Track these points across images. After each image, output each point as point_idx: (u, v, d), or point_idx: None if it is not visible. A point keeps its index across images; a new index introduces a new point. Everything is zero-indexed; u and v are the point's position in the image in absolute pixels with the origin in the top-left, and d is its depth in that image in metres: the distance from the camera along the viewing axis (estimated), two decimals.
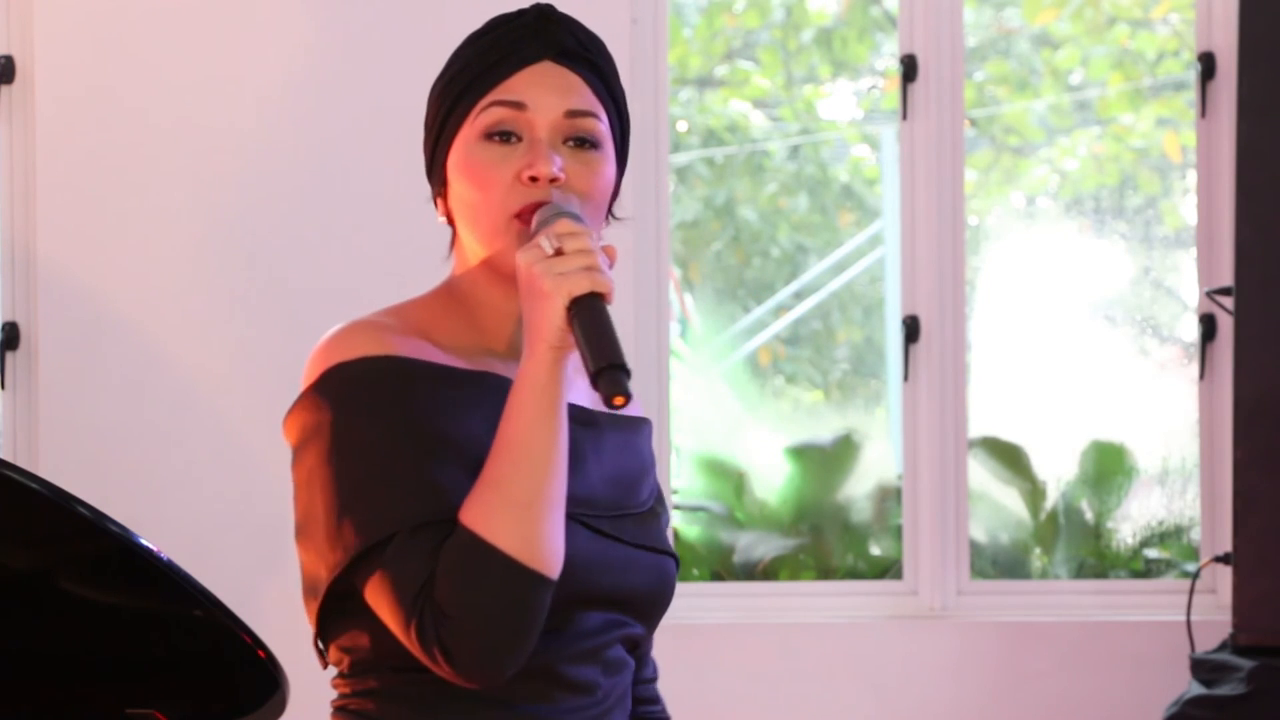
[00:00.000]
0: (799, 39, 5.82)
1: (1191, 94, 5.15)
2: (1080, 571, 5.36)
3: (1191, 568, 5.17)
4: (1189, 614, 4.74)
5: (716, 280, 5.80)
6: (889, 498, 5.39)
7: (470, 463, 2.08)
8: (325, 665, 2.21)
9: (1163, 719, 4.41)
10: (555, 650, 2.13)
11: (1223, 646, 4.46)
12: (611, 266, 2.09)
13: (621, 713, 2.21)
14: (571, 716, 2.15)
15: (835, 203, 5.88)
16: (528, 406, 2.05)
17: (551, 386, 2.05)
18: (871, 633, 4.97)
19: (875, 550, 5.42)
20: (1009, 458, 5.43)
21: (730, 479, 5.46)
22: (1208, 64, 5.00)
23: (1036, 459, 5.42)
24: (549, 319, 2.04)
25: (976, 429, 5.27)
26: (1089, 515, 5.42)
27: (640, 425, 2.31)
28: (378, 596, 2.07)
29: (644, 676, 2.32)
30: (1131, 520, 5.39)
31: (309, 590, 2.14)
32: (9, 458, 4.78)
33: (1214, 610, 4.92)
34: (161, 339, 4.84)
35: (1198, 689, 4.37)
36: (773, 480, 5.48)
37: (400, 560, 2.05)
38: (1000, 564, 5.44)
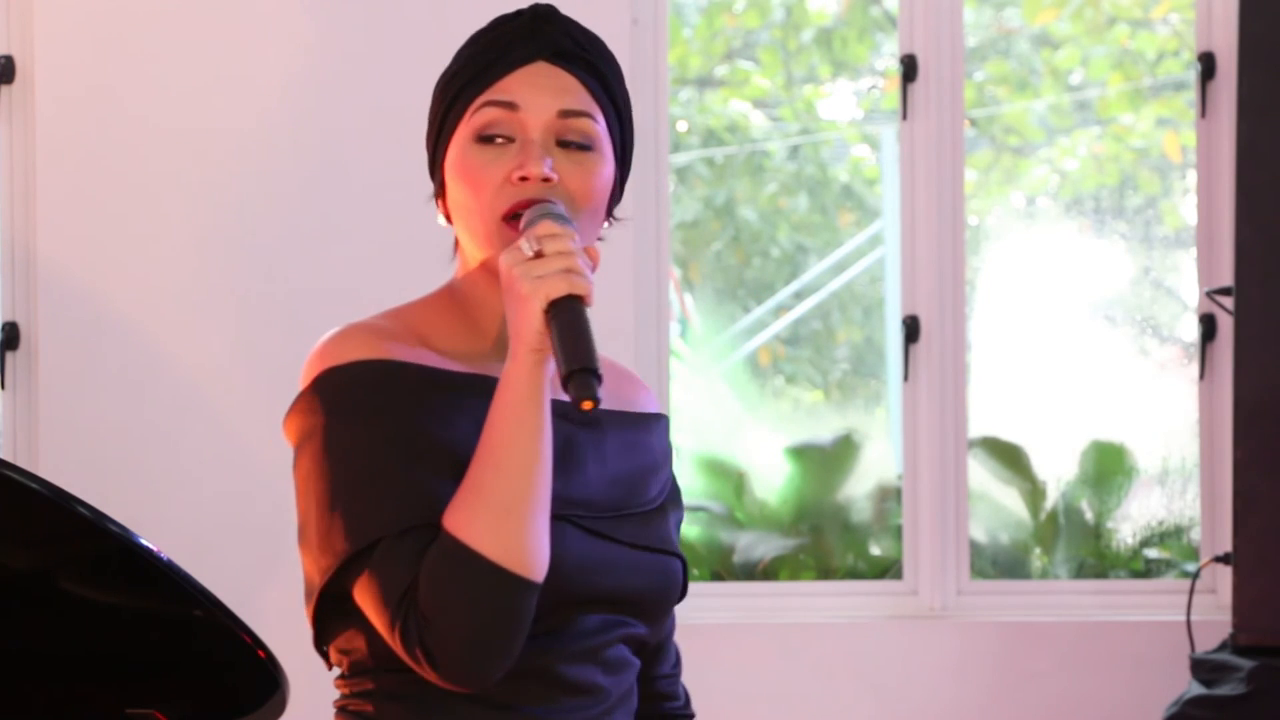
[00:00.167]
0: (799, 39, 5.82)
1: (1191, 94, 5.15)
2: (1080, 571, 5.36)
3: (1191, 568, 5.17)
4: (1189, 614, 4.74)
5: (716, 280, 5.80)
6: (889, 498, 5.39)
7: (460, 467, 2.08)
8: (330, 666, 2.23)
9: (1163, 719, 4.41)
10: (553, 651, 2.13)
11: (1223, 646, 4.46)
12: (595, 269, 2.08)
13: (625, 712, 2.21)
14: (571, 716, 2.15)
15: (835, 203, 5.88)
16: (509, 410, 2.05)
17: (532, 390, 2.05)
18: (871, 633, 4.97)
19: (875, 550, 5.42)
20: (1009, 458, 5.42)
21: (730, 479, 5.46)
22: (1208, 64, 5.00)
23: (1036, 459, 5.42)
24: (528, 322, 2.04)
25: (976, 429, 5.27)
26: (1089, 515, 5.42)
27: (652, 422, 2.30)
28: (365, 600, 2.08)
29: (661, 672, 2.32)
30: (1131, 520, 5.39)
31: (308, 593, 2.15)
32: (9, 458, 4.78)
33: (1214, 610, 4.92)
34: (161, 339, 4.84)
35: (1198, 689, 4.37)
36: (773, 480, 5.48)
37: (386, 564, 2.06)
38: (1000, 564, 5.44)
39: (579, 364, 1.99)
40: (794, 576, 5.33)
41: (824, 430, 5.55)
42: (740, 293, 5.78)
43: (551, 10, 2.22)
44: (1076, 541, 5.40)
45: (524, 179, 2.14)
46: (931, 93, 5.06)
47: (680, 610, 2.36)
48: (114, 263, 4.84)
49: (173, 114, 4.86)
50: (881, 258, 5.70)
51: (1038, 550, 5.44)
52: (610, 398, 2.28)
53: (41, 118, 4.85)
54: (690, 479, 5.32)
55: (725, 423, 5.59)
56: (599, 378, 2.00)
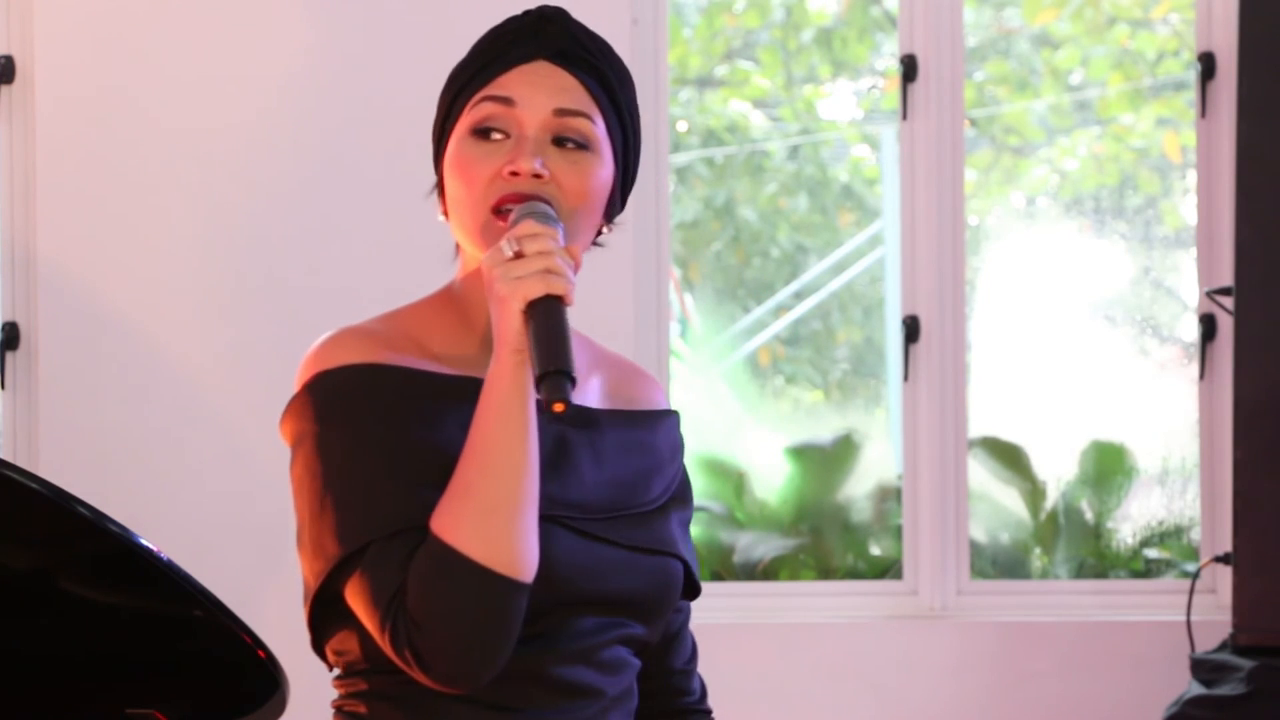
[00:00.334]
0: (799, 39, 5.82)
1: (1191, 94, 5.15)
2: (1080, 571, 5.36)
3: (1191, 568, 5.17)
4: (1189, 614, 4.74)
5: (716, 280, 5.80)
6: (889, 498, 5.39)
7: (449, 470, 2.09)
8: (330, 668, 2.23)
9: (1163, 719, 4.41)
10: (547, 653, 2.14)
11: (1223, 646, 4.46)
12: (577, 269, 2.09)
13: (623, 713, 2.21)
14: (565, 717, 2.15)
15: (835, 203, 5.88)
16: (493, 411, 2.06)
17: (516, 391, 2.05)
18: (871, 633, 4.97)
19: (875, 550, 5.42)
20: (1009, 458, 5.42)
21: (730, 479, 5.46)
22: (1208, 64, 5.00)
23: (1036, 459, 5.42)
24: (508, 322, 2.05)
25: (976, 429, 5.27)
26: (1089, 515, 5.42)
27: (656, 420, 2.30)
28: (356, 602, 2.10)
29: (674, 666, 2.31)
30: (1131, 520, 5.39)
31: (305, 595, 2.17)
32: (9, 458, 4.78)
33: (1214, 610, 4.92)
34: (161, 339, 4.84)
35: (1198, 689, 4.37)
36: (773, 480, 5.48)
37: (376, 567, 2.07)
38: (1000, 564, 5.44)
39: (552, 366, 1.99)
40: (794, 576, 5.33)
41: (824, 430, 5.55)
42: (740, 293, 5.78)
43: (558, 11, 2.22)
44: (1076, 541, 5.40)
45: (514, 174, 2.14)
46: (931, 93, 5.06)
47: None
48: (114, 263, 4.84)
49: (173, 114, 4.86)
50: (881, 258, 5.70)
51: (1038, 550, 5.44)
52: (614, 397, 2.28)
53: (41, 118, 4.85)
54: (690, 479, 5.32)
55: (725, 423, 5.59)
56: (572, 380, 2.00)
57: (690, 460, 2.38)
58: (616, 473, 2.22)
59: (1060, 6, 5.68)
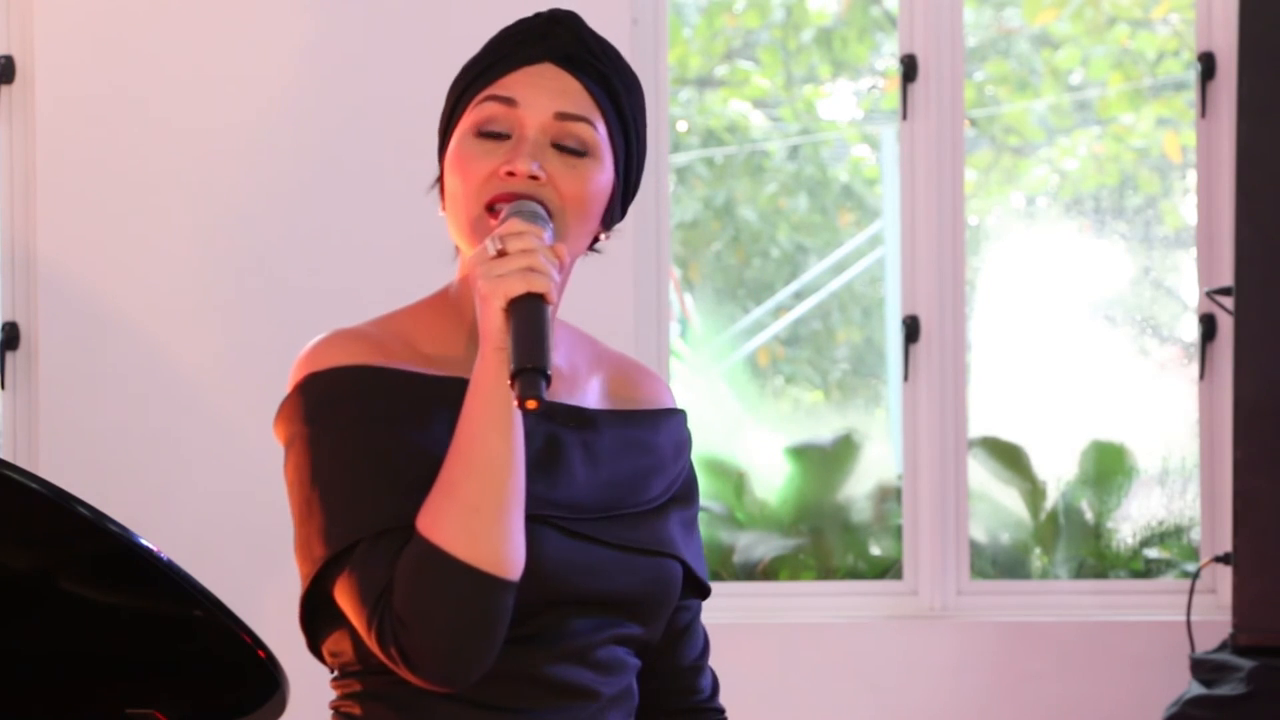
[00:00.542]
0: (799, 39, 5.82)
1: (1191, 94, 5.15)
2: (1080, 571, 5.36)
3: (1191, 568, 5.17)
4: (1189, 614, 4.74)
5: (716, 280, 5.80)
6: (889, 498, 5.39)
7: (435, 471, 2.09)
8: (329, 669, 2.24)
9: (1162, 719, 4.41)
10: (540, 653, 2.14)
11: (1223, 646, 4.46)
12: (562, 268, 2.09)
13: (621, 713, 2.21)
14: (560, 717, 2.15)
15: (835, 203, 5.88)
16: (477, 410, 2.06)
17: (500, 390, 2.05)
18: (871, 633, 4.97)
19: (875, 550, 5.42)
20: (1009, 458, 5.42)
21: (730, 479, 5.46)
22: (1208, 64, 5.00)
23: (1036, 459, 5.42)
24: (491, 321, 2.05)
25: (976, 429, 5.27)
26: (1089, 515, 5.42)
27: (659, 419, 2.30)
28: (344, 602, 2.10)
29: (683, 663, 2.30)
30: (1131, 520, 5.39)
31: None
32: (9, 458, 4.78)
33: (1214, 610, 4.92)
34: (161, 339, 4.84)
35: (1198, 689, 4.37)
36: (773, 480, 5.48)
37: (363, 566, 2.08)
38: (1000, 564, 5.44)
39: (528, 363, 1.99)
40: (794, 576, 5.33)
41: (824, 430, 5.55)
42: (740, 293, 5.79)
43: (569, 15, 2.23)
44: (1076, 541, 5.40)
45: (510, 174, 2.15)
46: (931, 93, 5.06)
47: None
48: (114, 263, 4.84)
49: (173, 114, 4.86)
50: (881, 258, 5.70)
51: (1038, 550, 5.44)
52: (615, 397, 2.28)
53: (41, 118, 4.85)
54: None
55: (725, 423, 5.59)
56: (547, 378, 2.00)
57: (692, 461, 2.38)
58: (613, 473, 2.22)
59: (1060, 6, 5.68)
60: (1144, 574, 5.36)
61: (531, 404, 1.99)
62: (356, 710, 2.17)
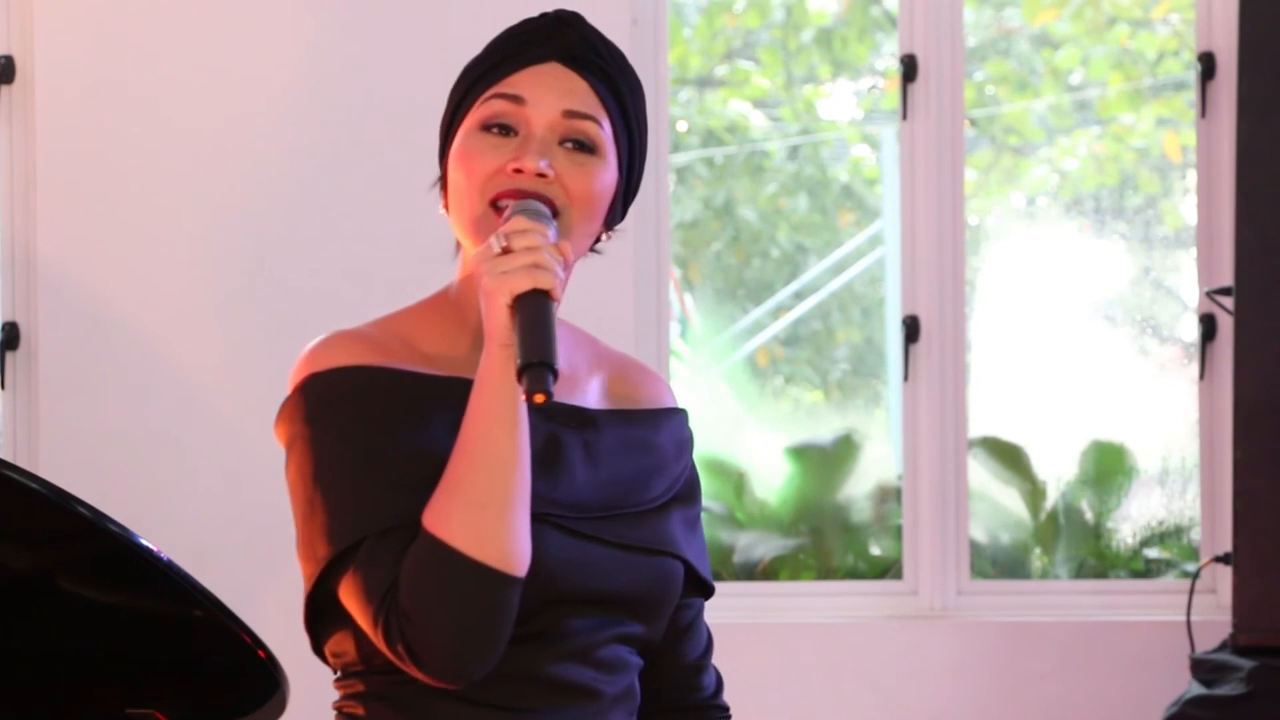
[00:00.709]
0: (799, 39, 5.82)
1: (1191, 94, 5.15)
2: (1080, 571, 5.36)
3: (1191, 568, 5.17)
4: (1189, 614, 4.74)
5: (716, 280, 5.80)
6: (889, 498, 5.39)
7: (437, 470, 2.10)
8: (333, 669, 2.24)
9: (1162, 719, 4.41)
10: (543, 652, 2.14)
11: (1223, 646, 4.46)
12: (566, 265, 2.10)
13: (624, 712, 2.21)
14: (563, 717, 2.15)
15: (835, 203, 5.88)
16: (482, 406, 2.07)
17: (505, 386, 2.06)
18: (871, 633, 4.97)
19: (875, 550, 5.42)
20: (1009, 458, 5.42)
21: (730, 479, 5.46)
22: (1208, 64, 5.00)
23: (1036, 459, 5.42)
24: (496, 317, 2.06)
25: (976, 429, 5.27)
26: (1089, 515, 5.42)
27: (660, 418, 2.30)
28: (349, 600, 2.11)
29: (686, 661, 2.30)
30: (1131, 520, 5.39)
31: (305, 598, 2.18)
32: (9, 458, 4.78)
33: (1214, 610, 4.92)
34: (161, 339, 4.84)
35: (1198, 689, 4.37)
36: (773, 480, 5.48)
37: (368, 564, 2.08)
38: (1000, 564, 5.44)
39: (534, 358, 2.00)
40: (794, 576, 5.33)
41: (824, 430, 5.55)
42: (740, 293, 5.79)
43: (575, 16, 2.24)
44: (1076, 541, 5.40)
45: (518, 171, 2.15)
46: (931, 93, 5.06)
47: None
48: (114, 263, 4.84)
49: (173, 114, 4.86)
50: (881, 258, 5.70)
51: (1038, 550, 5.44)
52: (616, 397, 2.28)
53: (41, 117, 4.85)
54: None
55: (725, 423, 5.59)
56: (554, 373, 2.00)
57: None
58: (614, 473, 2.22)
59: (1060, 6, 5.68)
60: (1144, 574, 5.36)
61: (539, 398, 1.99)
62: (360, 710, 2.17)
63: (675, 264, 5.58)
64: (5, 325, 4.89)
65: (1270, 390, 4.42)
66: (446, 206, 2.25)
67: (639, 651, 2.23)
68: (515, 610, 2.07)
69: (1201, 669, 4.41)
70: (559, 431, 2.19)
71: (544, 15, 2.24)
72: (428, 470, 2.10)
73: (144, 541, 2.45)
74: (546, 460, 2.16)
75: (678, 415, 2.33)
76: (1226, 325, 4.85)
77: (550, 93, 2.19)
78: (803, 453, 5.49)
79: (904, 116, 5.07)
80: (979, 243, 5.55)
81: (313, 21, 4.88)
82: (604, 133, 2.20)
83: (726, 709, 2.35)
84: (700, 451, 2.43)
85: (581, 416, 2.22)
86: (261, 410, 4.66)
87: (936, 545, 5.03)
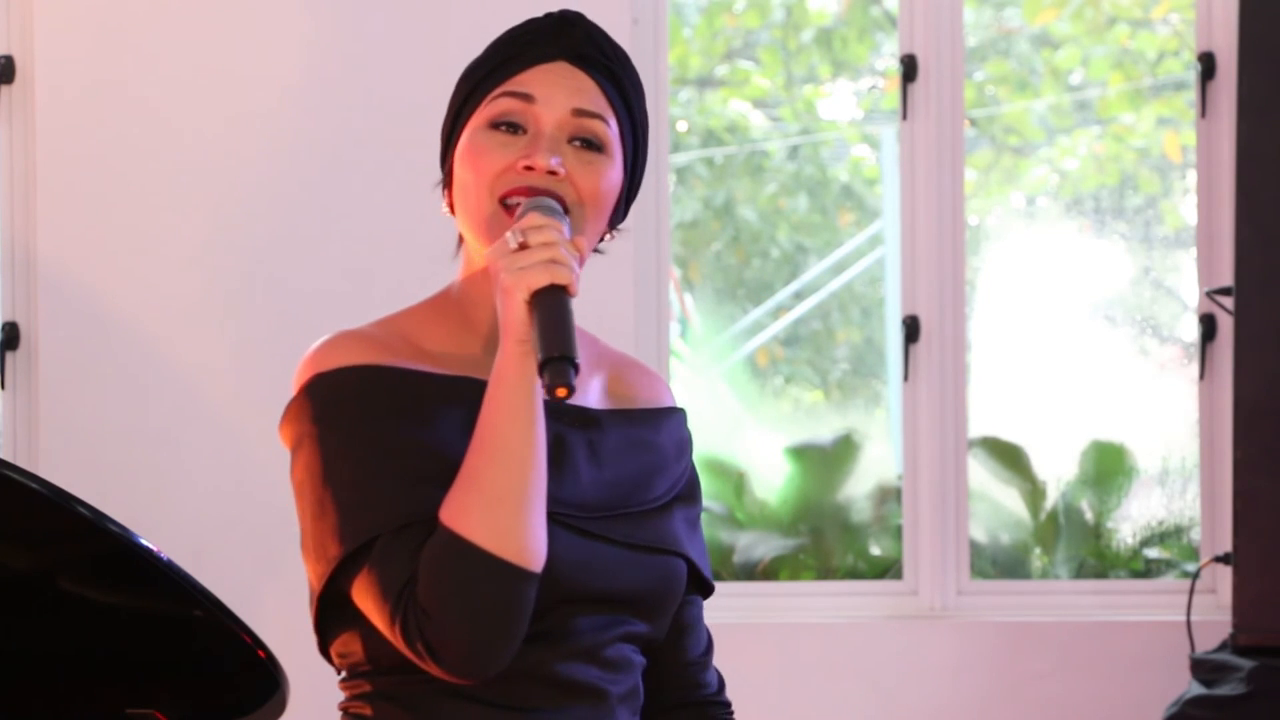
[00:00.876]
0: (799, 39, 5.82)
1: (1191, 94, 5.15)
2: (1080, 571, 5.36)
3: (1191, 568, 5.17)
4: (1189, 614, 4.74)
5: (716, 280, 5.80)
6: (889, 498, 5.39)
7: (446, 468, 2.10)
8: (337, 670, 2.24)
9: (1162, 719, 4.41)
10: (551, 651, 2.14)
11: (1223, 646, 4.46)
12: (582, 261, 2.10)
13: (629, 712, 2.22)
14: (571, 716, 2.16)
15: (835, 203, 5.89)
16: (499, 402, 2.07)
17: (522, 382, 2.06)
18: (871, 633, 4.97)
19: (875, 550, 5.42)
20: (1009, 458, 5.42)
21: (730, 479, 5.46)
22: (1208, 64, 5.00)
23: (1036, 459, 5.42)
24: (513, 313, 2.06)
25: (976, 429, 5.27)
26: (1089, 515, 5.42)
27: (661, 418, 2.31)
28: (364, 598, 2.10)
29: (689, 658, 2.31)
30: (1131, 520, 5.39)
31: (310, 598, 2.17)
32: (9, 458, 4.78)
33: (1214, 610, 4.92)
34: (162, 339, 4.84)
35: (1198, 689, 4.37)
36: (773, 480, 5.48)
37: (384, 561, 2.08)
38: (1000, 564, 5.44)
39: (555, 352, 2.01)
40: (794, 576, 5.33)
41: (824, 430, 5.55)
42: (740, 293, 5.79)
43: (580, 16, 2.25)
44: (1076, 541, 5.40)
45: (529, 168, 2.16)
46: (931, 93, 5.06)
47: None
48: (114, 263, 4.84)
49: (173, 114, 4.86)
50: (881, 258, 5.70)
51: (1038, 550, 5.44)
52: (616, 397, 2.29)
53: (41, 117, 4.85)
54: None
55: (725, 423, 5.59)
56: (576, 367, 2.01)
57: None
58: (617, 472, 2.22)
59: (1060, 6, 5.68)
60: (1144, 574, 5.36)
61: (561, 392, 2.00)
62: (367, 711, 2.17)
63: (675, 264, 5.58)
64: (5, 325, 4.89)
65: (1270, 390, 4.42)
66: (451, 206, 2.25)
67: (642, 650, 2.24)
68: (531, 605, 2.08)
69: (1201, 669, 4.41)
70: (564, 431, 2.19)
71: (549, 15, 2.25)
72: (438, 467, 2.10)
73: (144, 541, 2.45)
74: (552, 460, 2.16)
75: (677, 414, 2.34)
76: (1226, 325, 4.85)
77: (560, 91, 2.19)
78: (803, 453, 5.49)
79: (904, 116, 5.07)
80: (979, 243, 5.55)
81: (312, 21, 4.88)
82: (611, 131, 2.21)
83: (729, 705, 2.36)
84: (700, 451, 2.43)
85: (585, 416, 2.23)
86: (262, 410, 4.66)
87: (936, 545, 5.03)
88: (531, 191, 2.15)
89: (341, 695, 2.23)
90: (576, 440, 2.20)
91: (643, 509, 2.23)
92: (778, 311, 5.80)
